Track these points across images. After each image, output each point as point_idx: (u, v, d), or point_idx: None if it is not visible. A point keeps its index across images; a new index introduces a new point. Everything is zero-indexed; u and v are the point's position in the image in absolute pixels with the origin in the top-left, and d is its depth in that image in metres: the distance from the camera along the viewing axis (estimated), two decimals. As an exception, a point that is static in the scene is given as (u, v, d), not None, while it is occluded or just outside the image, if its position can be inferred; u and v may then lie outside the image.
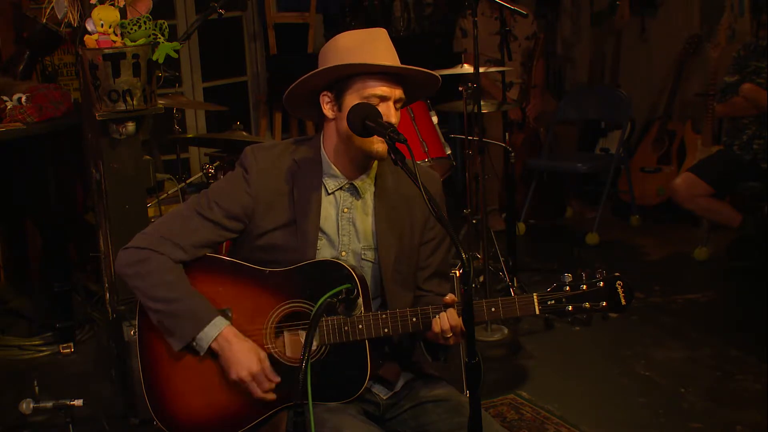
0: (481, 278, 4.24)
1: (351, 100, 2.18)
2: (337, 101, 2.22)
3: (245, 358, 2.15)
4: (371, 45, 2.19)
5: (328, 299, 1.98)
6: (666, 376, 3.71)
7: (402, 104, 2.24)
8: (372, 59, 2.16)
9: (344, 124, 2.18)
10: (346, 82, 2.19)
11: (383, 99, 2.17)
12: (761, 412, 3.36)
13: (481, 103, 4.10)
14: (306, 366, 1.83)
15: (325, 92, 2.24)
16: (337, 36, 2.25)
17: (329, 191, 2.27)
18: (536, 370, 3.85)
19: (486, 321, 2.21)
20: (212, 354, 2.20)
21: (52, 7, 3.33)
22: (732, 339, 4.02)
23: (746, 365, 3.77)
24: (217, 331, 2.16)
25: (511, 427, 3.32)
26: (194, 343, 2.18)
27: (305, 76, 2.21)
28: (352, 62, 2.15)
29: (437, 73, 2.24)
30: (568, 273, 2.14)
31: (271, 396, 2.18)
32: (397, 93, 2.20)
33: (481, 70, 4.07)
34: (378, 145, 2.18)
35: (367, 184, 2.30)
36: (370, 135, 2.15)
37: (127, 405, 3.42)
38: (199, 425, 2.24)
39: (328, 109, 2.25)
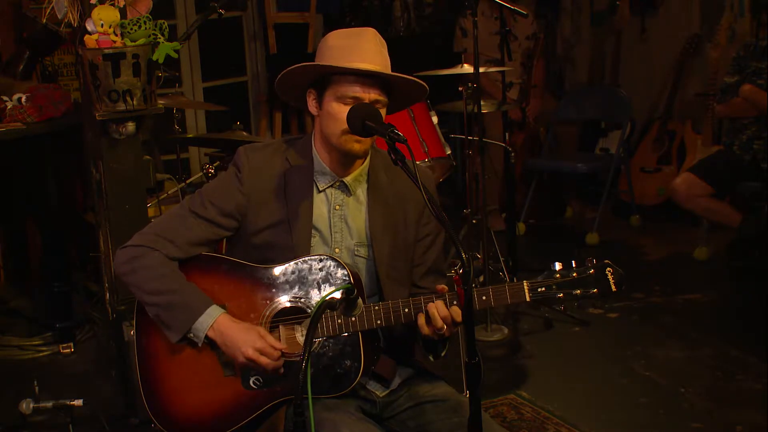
0: (481, 278, 4.24)
1: (329, 99, 2.22)
2: (319, 99, 2.26)
3: (246, 336, 2.16)
4: (355, 45, 2.21)
5: (328, 299, 1.98)
6: (666, 376, 3.71)
7: (383, 106, 2.24)
8: (350, 60, 2.18)
9: (324, 121, 2.23)
10: (325, 81, 2.22)
11: (357, 100, 2.19)
12: (761, 412, 3.36)
13: (481, 103, 4.09)
14: (306, 366, 1.83)
15: (310, 89, 2.28)
16: (329, 34, 2.29)
17: (320, 189, 2.30)
18: (536, 370, 3.84)
19: (477, 310, 2.21)
20: (209, 347, 2.21)
21: (52, 7, 3.33)
22: (732, 339, 4.02)
23: (746, 365, 3.77)
24: (212, 319, 2.17)
25: (511, 427, 3.32)
26: (191, 334, 2.19)
27: (284, 71, 2.25)
28: (324, 63, 2.20)
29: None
30: (558, 262, 2.15)
31: (282, 362, 2.17)
32: (372, 95, 2.20)
33: (481, 70, 4.07)
34: (353, 144, 2.20)
35: (358, 182, 2.32)
36: (370, 135, 2.17)
37: (127, 405, 3.43)
38: (197, 423, 2.24)
39: (312, 106, 2.29)
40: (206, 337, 2.18)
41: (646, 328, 4.23)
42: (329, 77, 2.21)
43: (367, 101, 2.19)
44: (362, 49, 2.21)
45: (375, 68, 2.19)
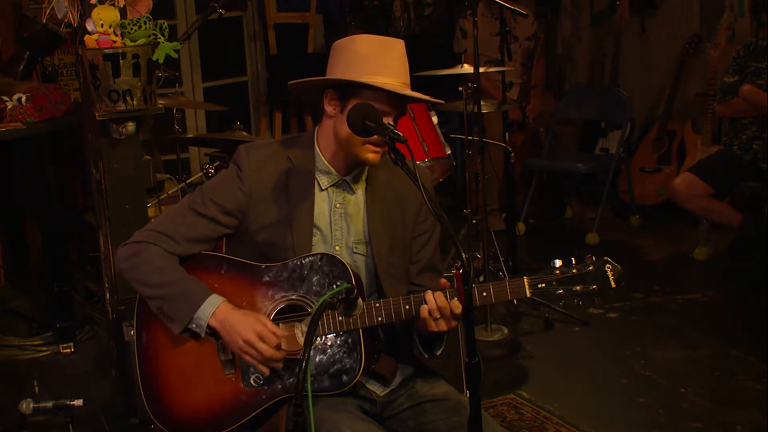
0: (481, 278, 4.24)
1: None
2: (341, 102, 2.24)
3: (246, 321, 2.16)
4: (386, 58, 2.21)
5: (328, 299, 1.98)
6: (666, 376, 3.71)
7: (401, 115, 2.31)
8: (386, 75, 2.19)
9: (343, 125, 2.21)
10: (354, 89, 2.21)
11: (385, 114, 2.21)
12: (761, 412, 3.36)
13: (481, 103, 4.09)
14: (306, 366, 1.83)
15: (330, 89, 2.26)
16: (355, 37, 2.27)
17: (322, 187, 2.30)
18: (536, 370, 3.84)
19: (479, 306, 2.22)
20: (209, 343, 2.21)
21: (52, 7, 3.33)
22: (732, 339, 4.02)
23: (746, 365, 3.77)
24: (213, 307, 2.18)
25: (511, 427, 3.32)
26: (193, 324, 2.19)
27: (318, 78, 2.24)
28: (367, 81, 2.18)
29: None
30: (558, 259, 2.17)
31: (281, 354, 2.16)
32: (400, 110, 2.27)
33: (481, 70, 4.07)
34: (370, 154, 2.22)
35: (359, 180, 2.32)
36: (371, 135, 2.16)
37: (127, 405, 3.43)
38: (197, 422, 2.24)
39: (330, 107, 2.27)
40: (208, 327, 2.18)
41: (646, 328, 4.23)
42: (359, 87, 2.21)
43: (393, 116, 2.23)
44: (393, 64, 2.22)
45: (407, 88, 2.22)
